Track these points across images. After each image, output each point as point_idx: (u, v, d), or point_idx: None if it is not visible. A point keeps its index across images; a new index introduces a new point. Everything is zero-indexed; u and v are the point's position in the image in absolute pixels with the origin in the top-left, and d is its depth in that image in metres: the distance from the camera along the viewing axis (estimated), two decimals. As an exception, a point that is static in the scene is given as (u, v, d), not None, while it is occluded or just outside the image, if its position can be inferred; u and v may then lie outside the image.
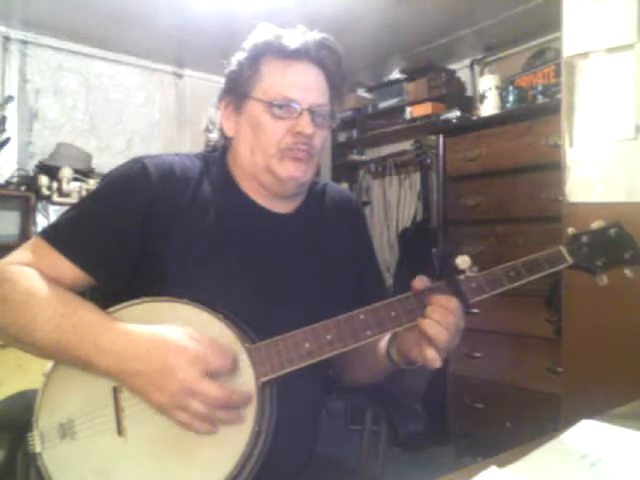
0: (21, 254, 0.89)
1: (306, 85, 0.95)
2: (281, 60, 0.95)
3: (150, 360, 0.76)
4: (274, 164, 0.94)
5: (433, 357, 0.85)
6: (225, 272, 0.92)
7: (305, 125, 0.93)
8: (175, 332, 0.78)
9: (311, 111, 0.94)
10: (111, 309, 0.84)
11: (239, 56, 0.98)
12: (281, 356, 0.82)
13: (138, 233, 0.91)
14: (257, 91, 0.95)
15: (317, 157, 0.99)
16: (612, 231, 0.93)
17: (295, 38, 0.95)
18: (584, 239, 0.92)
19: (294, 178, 0.95)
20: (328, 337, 0.83)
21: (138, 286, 0.88)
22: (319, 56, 0.97)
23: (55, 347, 0.79)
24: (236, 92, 0.98)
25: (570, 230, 0.94)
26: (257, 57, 0.96)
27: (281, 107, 0.93)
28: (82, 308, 0.82)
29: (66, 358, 0.80)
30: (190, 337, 0.78)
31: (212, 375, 0.76)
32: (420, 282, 0.88)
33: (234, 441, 0.77)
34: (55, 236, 0.90)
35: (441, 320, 0.84)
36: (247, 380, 0.80)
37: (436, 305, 0.85)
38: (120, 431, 0.79)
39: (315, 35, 0.97)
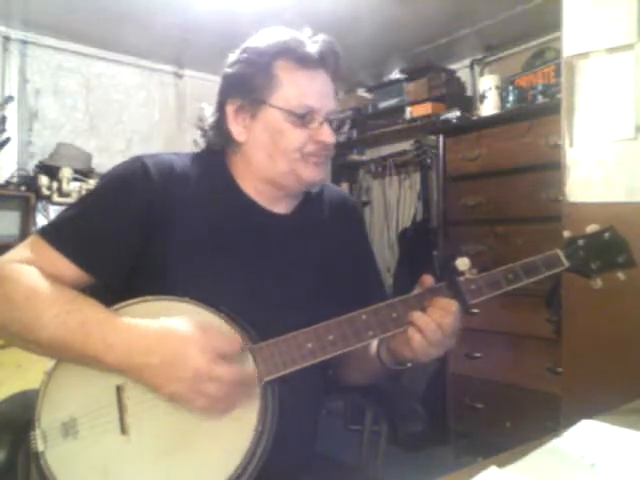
0: (20, 252, 0.88)
1: (324, 93, 0.96)
2: (300, 68, 0.95)
3: (160, 352, 0.77)
4: (299, 167, 0.95)
5: (419, 341, 0.85)
6: (225, 271, 0.92)
7: (327, 135, 0.95)
8: (182, 322, 0.79)
9: (329, 119, 0.96)
10: (112, 308, 0.84)
11: (244, 57, 0.97)
12: (284, 356, 0.82)
13: (138, 232, 0.90)
14: (276, 98, 0.94)
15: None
16: (606, 235, 0.95)
17: (313, 45, 0.96)
18: (580, 242, 0.94)
19: (318, 182, 0.99)
20: (330, 337, 0.84)
21: (138, 285, 0.88)
22: (330, 62, 0.98)
23: (61, 345, 0.79)
24: (250, 97, 0.96)
25: (566, 233, 0.95)
26: (270, 61, 0.94)
27: (303, 117, 0.93)
28: (87, 305, 0.83)
29: (72, 355, 0.80)
30: (197, 326, 0.79)
31: (223, 359, 0.78)
32: (428, 279, 0.90)
33: (238, 440, 0.78)
34: (54, 235, 0.89)
35: (440, 321, 0.85)
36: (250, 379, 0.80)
37: (436, 307, 0.86)
38: (123, 430, 0.79)
39: (325, 40, 0.97)
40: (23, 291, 0.82)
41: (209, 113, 1.02)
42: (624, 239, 0.95)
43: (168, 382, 0.76)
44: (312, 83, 0.95)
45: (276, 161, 0.95)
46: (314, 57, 0.95)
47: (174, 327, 0.79)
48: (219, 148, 1.02)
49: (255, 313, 0.84)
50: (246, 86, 0.96)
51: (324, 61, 0.96)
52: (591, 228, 0.95)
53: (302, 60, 0.95)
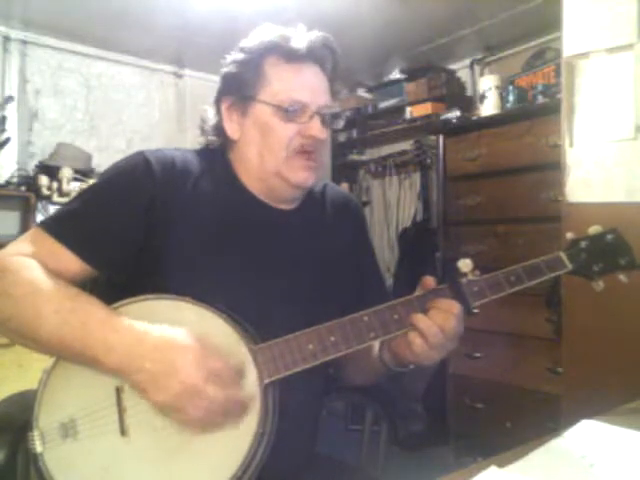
0: (20, 245, 0.87)
1: (314, 87, 0.96)
2: (288, 62, 0.95)
3: (156, 360, 0.75)
4: (285, 170, 0.94)
5: (420, 344, 0.85)
6: (226, 267, 0.92)
7: (317, 129, 0.94)
8: (183, 333, 0.78)
9: (320, 114, 0.95)
10: (114, 305, 0.83)
11: (238, 56, 0.97)
12: (285, 357, 0.81)
13: (140, 226, 0.90)
14: (264, 94, 0.94)
15: (322, 157, 0.99)
16: (609, 237, 0.94)
17: (301, 40, 0.95)
18: (582, 245, 0.93)
19: (306, 185, 0.97)
20: (332, 339, 0.84)
21: (139, 280, 0.88)
22: (322, 57, 0.97)
23: (60, 343, 0.78)
24: (240, 94, 0.96)
25: (569, 235, 0.95)
26: (260, 58, 0.95)
27: (291, 111, 0.93)
28: (89, 304, 0.81)
29: (70, 354, 0.80)
30: (197, 338, 0.78)
31: (216, 377, 0.76)
32: (429, 280, 0.89)
33: (238, 442, 0.77)
34: (57, 227, 0.88)
35: (442, 324, 0.84)
36: (251, 381, 0.80)
37: (438, 309, 0.86)
38: (123, 431, 0.78)
39: (317, 35, 0.97)
40: (22, 285, 0.81)
41: (211, 115, 1.03)
42: (627, 241, 0.94)
43: (155, 390, 0.75)
44: (299, 77, 0.95)
45: (265, 159, 0.95)
46: (301, 51, 0.95)
47: (173, 336, 0.77)
48: (218, 148, 1.02)
49: (256, 310, 0.84)
50: (237, 84, 0.97)
51: (313, 55, 0.96)
52: (593, 230, 0.94)
53: (289, 55, 0.95)
